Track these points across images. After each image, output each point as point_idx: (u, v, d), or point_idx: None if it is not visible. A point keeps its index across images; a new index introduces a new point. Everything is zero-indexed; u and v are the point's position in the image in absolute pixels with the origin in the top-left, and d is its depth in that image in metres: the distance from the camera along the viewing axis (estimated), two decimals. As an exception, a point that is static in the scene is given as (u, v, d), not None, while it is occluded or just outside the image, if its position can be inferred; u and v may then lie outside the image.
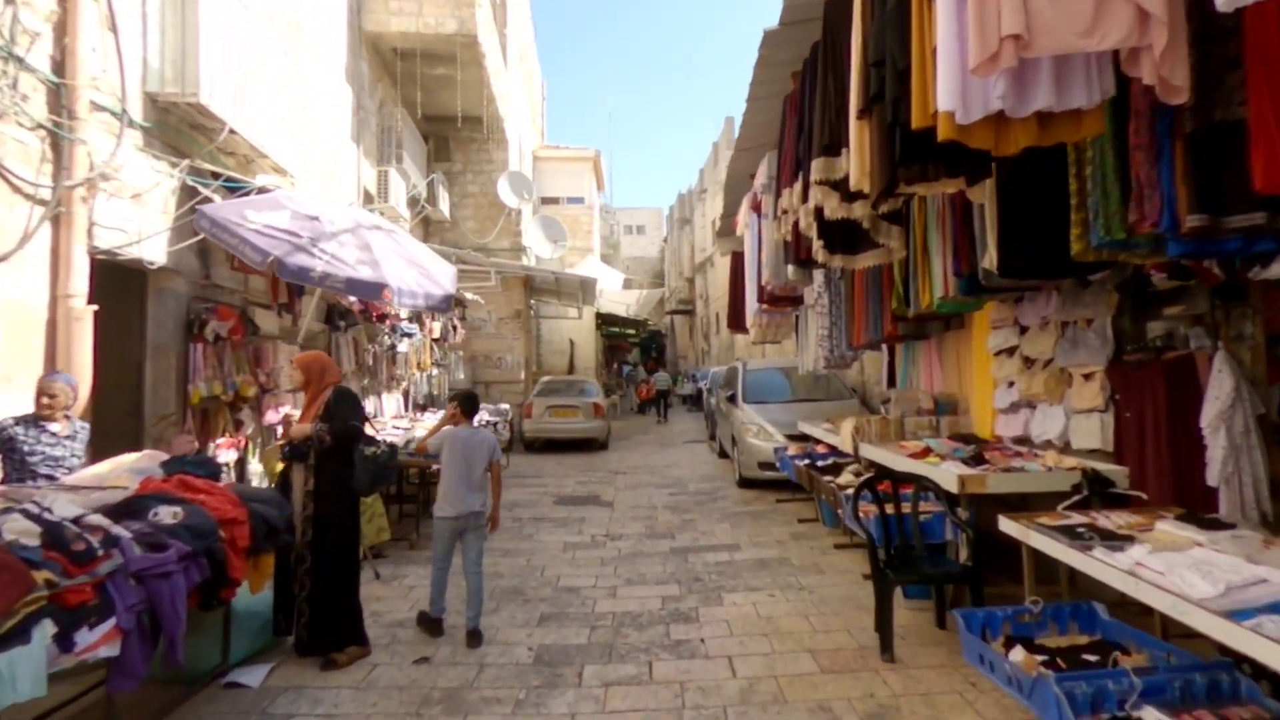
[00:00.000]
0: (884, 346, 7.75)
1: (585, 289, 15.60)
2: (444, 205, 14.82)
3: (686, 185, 46.83)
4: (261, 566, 3.55)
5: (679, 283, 44.61)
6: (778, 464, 7.98)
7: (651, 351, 48.19)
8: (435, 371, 10.82)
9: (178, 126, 5.79)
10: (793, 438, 8.59)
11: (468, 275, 15.33)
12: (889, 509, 4.15)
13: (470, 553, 4.55)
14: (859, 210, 3.64)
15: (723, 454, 11.89)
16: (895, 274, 4.96)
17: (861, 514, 4.37)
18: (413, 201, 13.64)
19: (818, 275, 6.81)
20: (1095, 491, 3.82)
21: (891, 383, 7.60)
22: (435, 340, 10.35)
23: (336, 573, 3.91)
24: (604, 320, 24.30)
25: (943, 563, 4.01)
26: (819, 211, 3.85)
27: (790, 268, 5.52)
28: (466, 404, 4.70)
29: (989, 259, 3.54)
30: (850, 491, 5.26)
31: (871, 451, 5.67)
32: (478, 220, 15.70)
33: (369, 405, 8.59)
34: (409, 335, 7.84)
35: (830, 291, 7.50)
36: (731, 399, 10.07)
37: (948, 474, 4.09)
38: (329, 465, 3.92)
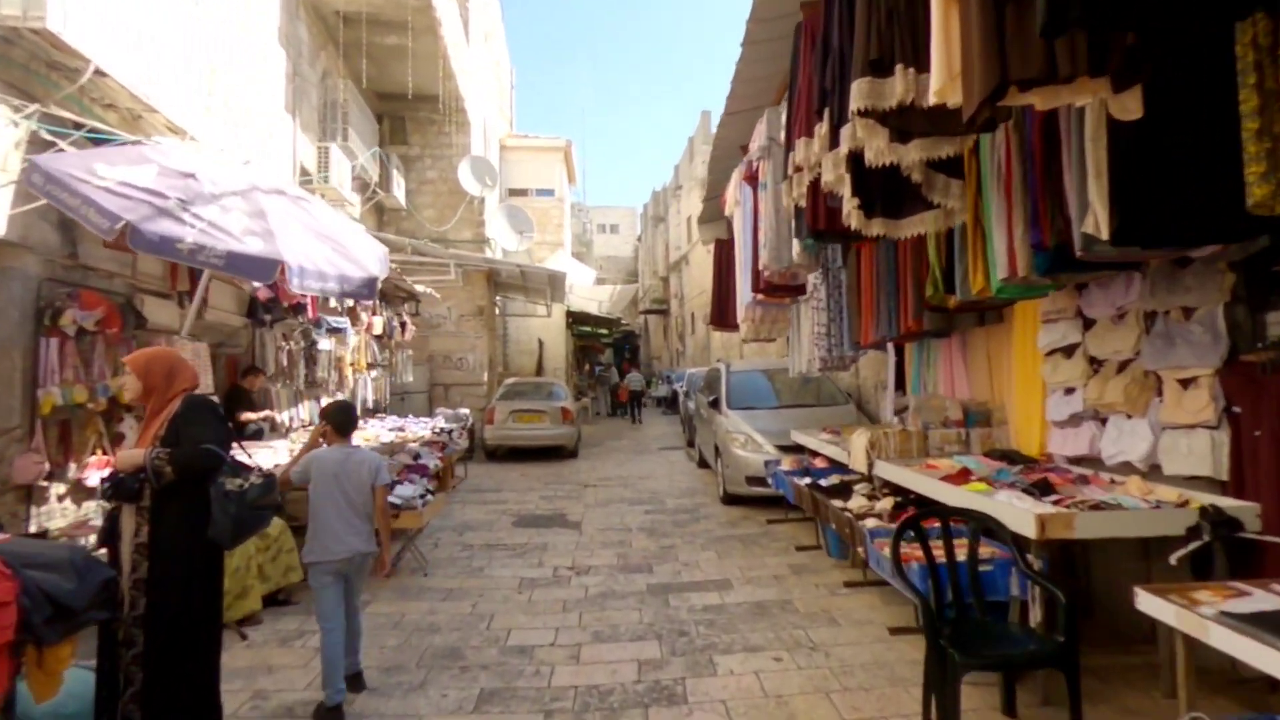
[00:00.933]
0: (890, 346, 6.79)
1: (554, 284, 14.47)
2: (399, 191, 13.59)
3: (661, 183, 45.92)
4: (50, 663, 2.40)
5: (653, 282, 43.61)
6: (769, 480, 6.98)
7: (625, 352, 47.20)
8: (375, 374, 9.55)
9: (28, 64, 4.58)
10: (785, 449, 7.59)
11: (425, 268, 14.11)
12: (936, 552, 3.14)
13: (354, 598, 3.57)
14: (912, 154, 2.63)
15: (703, 463, 10.87)
16: (932, 252, 3.95)
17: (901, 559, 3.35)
18: (363, 186, 12.41)
19: (809, 271, 5.82)
20: (1218, 536, 2.86)
21: (900, 387, 6.64)
22: (378, 338, 9.13)
23: (180, 659, 2.77)
24: (575, 319, 23.15)
25: (1018, 635, 3.01)
26: (853, 160, 2.84)
27: (795, 248, 4.49)
28: (339, 417, 3.63)
29: (1093, 221, 2.54)
30: (870, 524, 4.26)
31: (891, 471, 4.68)
32: (437, 209, 14.49)
33: (287, 414, 7.35)
34: (338, 330, 6.66)
35: (828, 283, 6.52)
36: (714, 404, 9.04)
37: (1018, 511, 3.09)
38: (171, 508, 2.78)
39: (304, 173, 9.56)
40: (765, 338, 6.84)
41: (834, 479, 5.78)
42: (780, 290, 5.29)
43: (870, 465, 4.93)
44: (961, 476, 4.05)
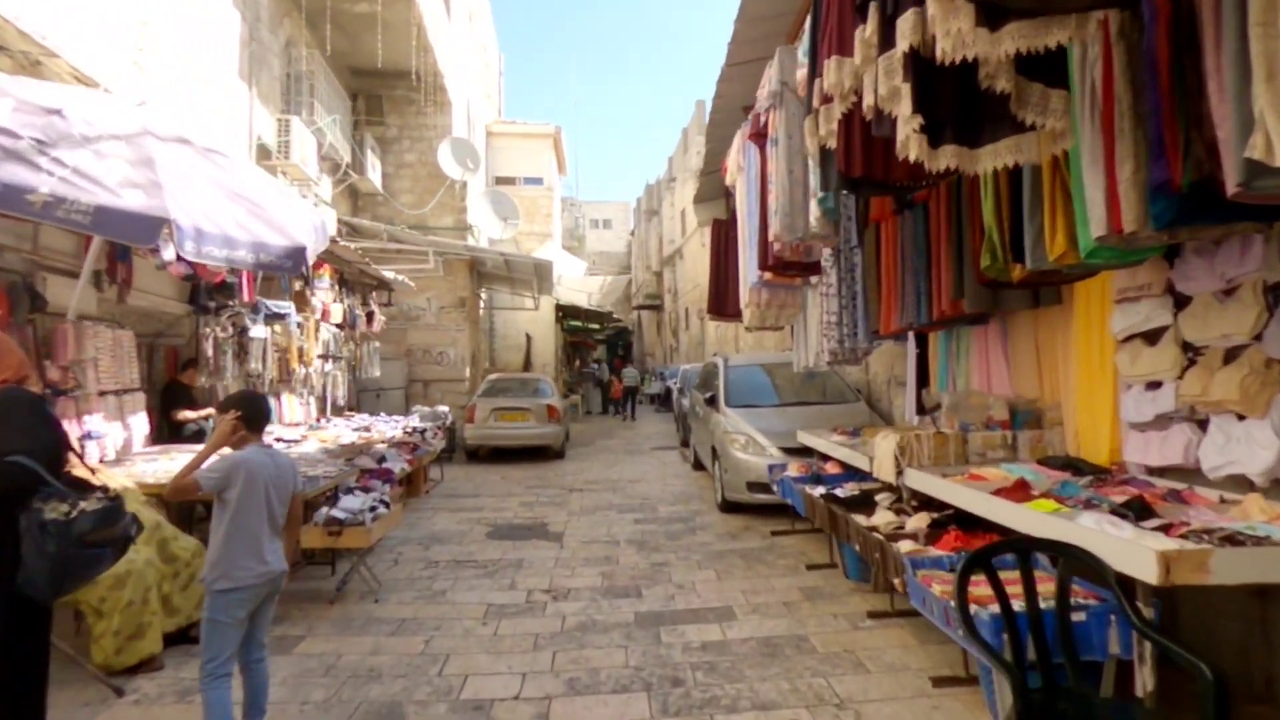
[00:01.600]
0: (910, 337, 6.03)
1: (540, 274, 13.66)
2: (374, 174, 12.74)
3: (655, 176, 45.12)
4: None
5: (647, 276, 42.78)
6: (774, 486, 6.20)
7: (619, 349, 46.40)
8: (329, 367, 8.69)
9: (-121, -14, 3.77)
10: (790, 451, 6.82)
11: (403, 256, 13.27)
12: (1009, 593, 2.37)
13: (260, 634, 2.82)
14: (1005, 44, 1.85)
15: (698, 465, 10.10)
16: (989, 210, 3.16)
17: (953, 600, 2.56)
18: (334, 168, 11.57)
19: (822, 248, 5.02)
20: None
21: (924, 382, 5.86)
22: (340, 327, 8.30)
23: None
24: (565, 313, 22.33)
25: (1134, 716, 2.23)
26: (914, 64, 2.06)
27: (812, 212, 3.70)
28: (250, 408, 2.83)
29: (1263, 141, 1.76)
30: (905, 548, 3.49)
31: (925, 481, 3.90)
32: (416, 194, 13.65)
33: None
34: (279, 316, 5.79)
35: (840, 266, 5.74)
36: (711, 402, 8.26)
37: (1125, 545, 2.31)
38: (-43, 547, 1.98)
39: (262, 150, 8.72)
40: (772, 325, 6.05)
41: (851, 488, 5.01)
42: (792, 268, 4.50)
43: (899, 473, 4.16)
44: (1020, 491, 3.28)
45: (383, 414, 10.65)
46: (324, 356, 8.14)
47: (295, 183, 9.71)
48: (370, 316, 9.41)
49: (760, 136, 4.38)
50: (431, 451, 8.72)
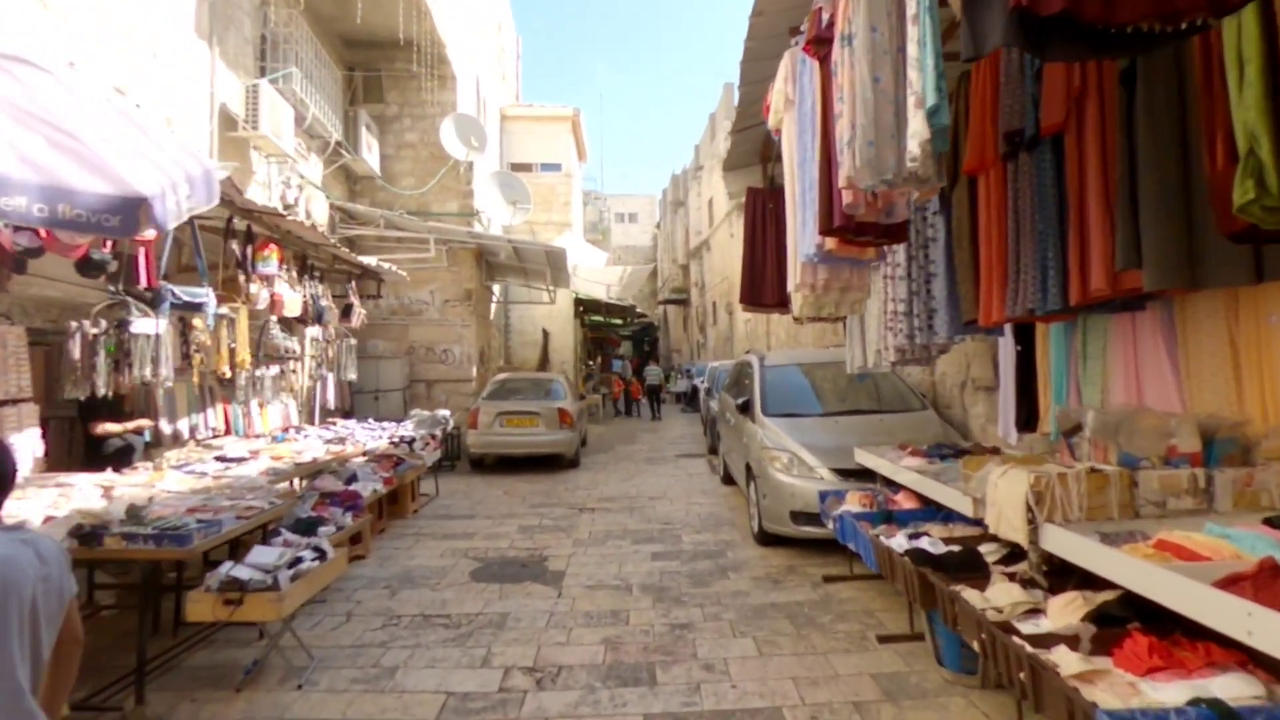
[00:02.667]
0: (1007, 330, 4.64)
1: (554, 264, 12.42)
2: (371, 155, 11.62)
3: (681, 166, 43.67)
4: None
5: (673, 270, 41.46)
6: (828, 522, 4.87)
7: (645, 345, 45.18)
8: (272, 372, 7.49)
9: None
10: (846, 474, 5.48)
11: (403, 245, 12.14)
12: None
13: None
14: None
15: (728, 478, 8.79)
16: (1250, 103, 1.82)
17: None
18: (323, 146, 10.46)
19: (912, 203, 3.66)
20: None
21: (1028, 389, 4.47)
22: (302, 321, 7.13)
23: None
24: (585, 307, 21.12)
25: None
26: None
27: (913, 140, 2.33)
28: None
29: None
30: (1072, 667, 2.16)
31: (1085, 551, 2.54)
32: (418, 176, 12.51)
33: (186, 422, 5.28)
34: (193, 306, 4.54)
35: (911, 238, 4.40)
36: (744, 409, 6.93)
37: None
38: None
39: (226, 119, 7.60)
40: (831, 315, 4.65)
41: (940, 535, 3.67)
42: (866, 232, 3.15)
43: (1035, 529, 2.81)
44: (1274, 578, 1.94)
45: (370, 419, 9.52)
46: (265, 357, 6.94)
47: (270, 159, 8.60)
48: (348, 310, 8.24)
49: (822, 43, 3.04)
50: (419, 466, 7.53)
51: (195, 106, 7.17)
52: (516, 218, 12.88)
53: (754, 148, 6.33)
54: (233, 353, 5.24)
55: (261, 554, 3.53)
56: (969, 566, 3.19)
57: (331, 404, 10.40)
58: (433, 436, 8.58)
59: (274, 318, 6.45)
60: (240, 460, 5.49)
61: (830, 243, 3.33)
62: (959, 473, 3.78)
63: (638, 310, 24.42)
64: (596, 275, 14.19)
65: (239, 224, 5.58)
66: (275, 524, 4.58)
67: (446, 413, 10.50)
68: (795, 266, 3.69)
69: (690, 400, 21.44)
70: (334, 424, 8.70)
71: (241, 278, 5.07)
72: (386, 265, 8.63)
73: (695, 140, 36.52)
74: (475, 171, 12.74)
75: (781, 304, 5.97)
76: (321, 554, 3.87)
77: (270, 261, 5.35)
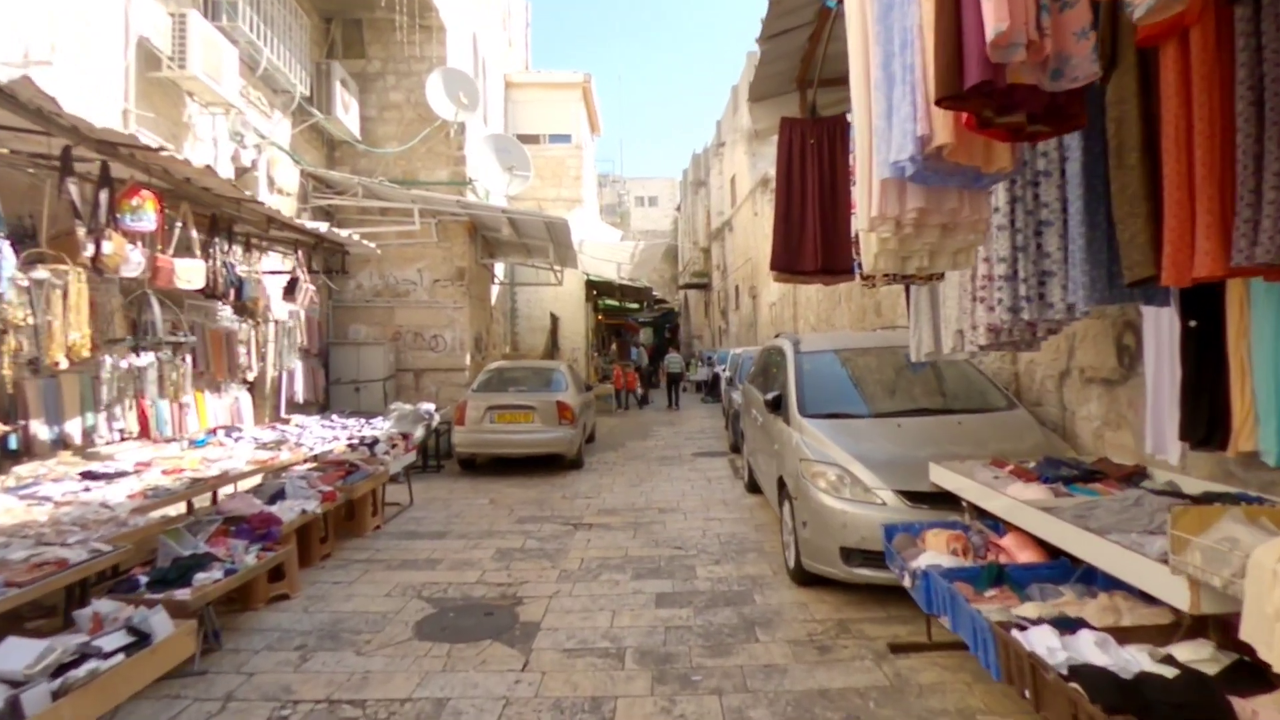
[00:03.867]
0: (1175, 295, 3.16)
1: (555, 236, 11.03)
2: (349, 116, 10.29)
3: (702, 144, 41.93)
4: None
5: (694, 254, 39.86)
6: (901, 574, 3.45)
7: (665, 332, 43.75)
8: (144, 360, 6.07)
9: None
10: (917, 498, 4.06)
11: (389, 218, 10.84)
12: None
13: None
14: None
15: (754, 486, 7.40)
16: None
17: None
18: (288, 103, 9.14)
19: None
20: None
21: (1206, 385, 2.99)
22: (209, 295, 5.77)
23: None
24: (597, 290, 19.73)
25: None
26: None
27: None
28: None
29: None
30: None
31: None
32: (404, 141, 11.16)
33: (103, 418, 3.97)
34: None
35: (1019, 179, 2.99)
36: (775, 406, 5.49)
37: None
38: None
39: (146, 55, 6.31)
40: (918, 273, 3.02)
41: (1094, 616, 2.25)
42: (1017, 105, 1.75)
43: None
44: None
45: (335, 416, 8.25)
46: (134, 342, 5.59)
47: (209, 108, 7.30)
48: (293, 285, 6.88)
49: None
50: (378, 474, 6.22)
51: (101, 35, 5.87)
52: (514, 186, 11.49)
53: (789, 67, 4.86)
54: (71, 338, 3.91)
55: (10, 653, 2.21)
56: (1203, 712, 1.76)
57: (300, 397, 9.17)
58: (403, 436, 7.27)
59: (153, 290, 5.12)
60: (117, 476, 4.20)
61: (945, 130, 1.88)
62: (1136, 519, 2.34)
63: (655, 294, 22.96)
64: (606, 252, 12.77)
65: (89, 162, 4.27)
66: (129, 571, 3.29)
67: (430, 406, 9.21)
68: (870, 192, 2.27)
69: (711, 389, 20.02)
70: (286, 422, 7.43)
71: (81, 231, 3.74)
72: (348, 234, 7.28)
73: (716, 120, 34.77)
74: (469, 136, 11.37)
75: (826, 271, 4.54)
76: (140, 639, 2.54)
77: (144, 214, 4.02)
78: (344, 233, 7.12)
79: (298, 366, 9.14)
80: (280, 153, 9.11)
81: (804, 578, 4.52)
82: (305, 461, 5.80)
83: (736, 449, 10.27)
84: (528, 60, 21.87)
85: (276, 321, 7.20)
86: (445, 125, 10.94)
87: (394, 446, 6.83)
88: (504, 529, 6.45)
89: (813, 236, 4.55)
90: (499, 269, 14.81)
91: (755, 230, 25.10)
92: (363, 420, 8.76)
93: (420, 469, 9.35)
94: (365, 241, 8.08)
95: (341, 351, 10.56)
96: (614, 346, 24.69)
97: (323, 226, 6.82)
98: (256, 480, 5.41)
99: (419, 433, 8.94)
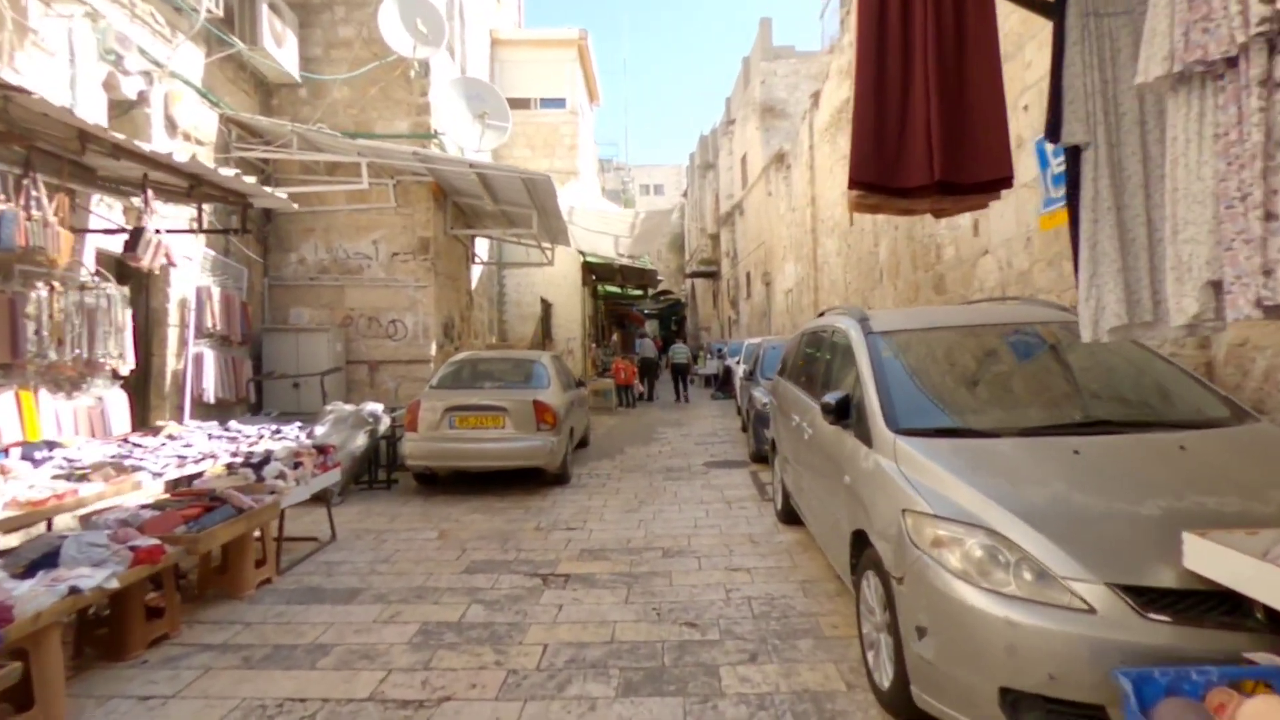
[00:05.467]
0: None
1: (538, 200, 9.12)
2: (285, 52, 8.38)
3: (710, 125, 39.91)
4: None
5: (701, 241, 37.88)
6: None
7: (672, 323, 41.86)
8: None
9: None
10: (1157, 600, 2.11)
11: (338, 175, 8.94)
12: None
13: None
14: None
15: (790, 515, 5.51)
16: None
17: None
18: (204, 34, 7.24)
19: None
20: None
21: None
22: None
23: None
24: (596, 274, 17.81)
25: None
26: None
27: None
28: None
29: None
30: None
31: None
32: (356, 87, 9.25)
33: None
34: None
35: None
36: (840, 413, 3.54)
37: None
38: None
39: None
40: None
41: None
42: None
43: None
44: None
45: (235, 423, 6.36)
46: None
47: (54, 4, 5.40)
48: (137, 238, 4.91)
49: None
50: (261, 509, 4.32)
51: None
52: (489, 139, 9.57)
53: None
54: None
55: None
56: None
57: (211, 395, 7.30)
58: (321, 450, 5.38)
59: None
60: None
61: None
62: None
63: (659, 278, 21.03)
64: (600, 223, 10.82)
65: None
66: None
67: (377, 407, 7.34)
68: None
69: (722, 385, 18.11)
70: (156, 432, 5.53)
71: None
72: (234, 174, 5.35)
73: (725, 98, 32.71)
74: (435, 81, 9.45)
75: (948, 188, 2.63)
76: None
77: None
78: (228, 172, 5.19)
79: (208, 357, 7.27)
80: (185, 87, 7.21)
81: (913, 715, 2.60)
82: (143, 506, 3.92)
83: (760, 458, 8.36)
84: (520, 22, 19.93)
85: (88, 287, 5.23)
86: (404, 65, 9.03)
87: (299, 465, 4.94)
88: (444, 584, 4.56)
89: (924, 131, 2.68)
90: (483, 248, 12.93)
91: (769, 212, 23.12)
92: (298, 425, 6.92)
93: (366, 486, 7.49)
94: (278, 193, 6.18)
95: (277, 339, 8.69)
96: (615, 337, 22.79)
97: (181, 155, 4.87)
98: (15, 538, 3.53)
99: (360, 440, 7.08)
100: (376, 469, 7.59)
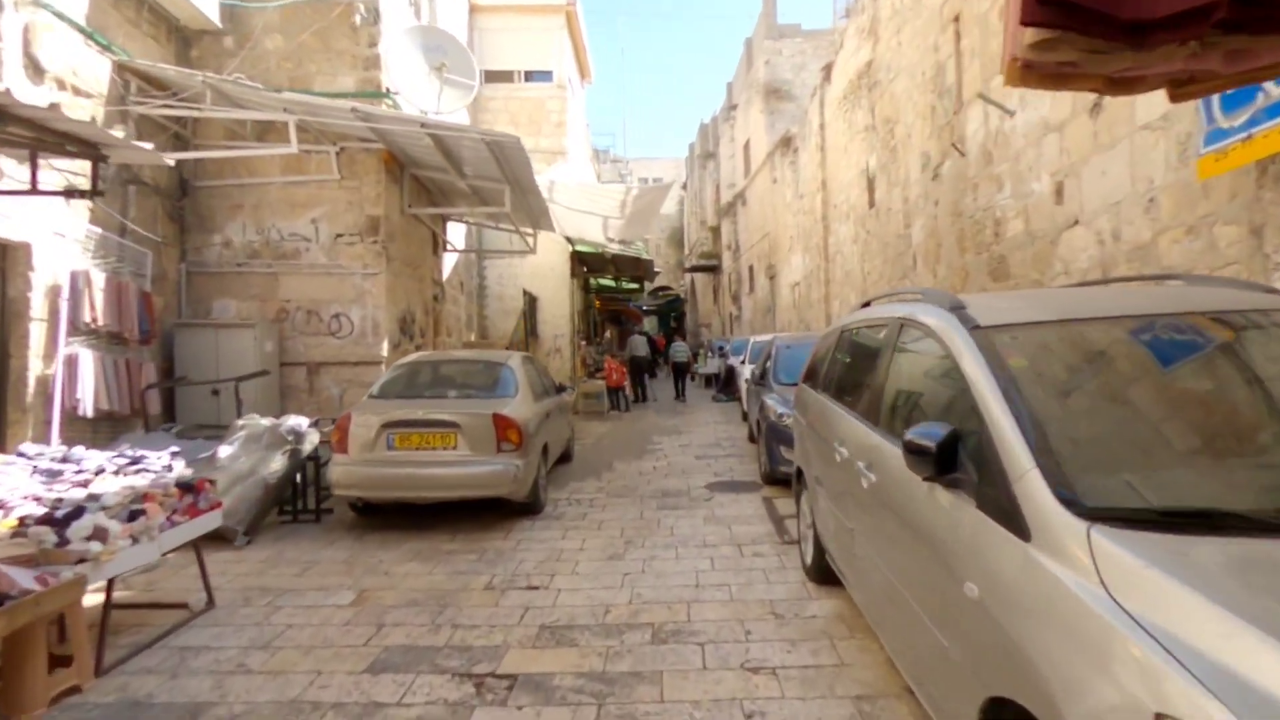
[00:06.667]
0: None
1: (509, 169, 7.65)
2: (193, -16, 6.93)
3: (711, 113, 38.40)
4: None
5: (701, 234, 36.40)
6: None
7: (671, 320, 40.52)
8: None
9: None
10: None
11: (269, 137, 7.49)
12: None
13: None
14: None
15: (826, 573, 4.07)
16: None
17: None
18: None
19: None
20: None
21: None
22: None
23: None
24: (587, 265, 16.34)
25: None
26: None
27: None
28: None
29: None
30: None
31: None
32: (290, 35, 7.79)
33: None
34: None
35: None
36: (945, 465, 2.10)
37: None
38: None
39: None
40: None
41: None
42: None
43: None
44: None
45: (126, 444, 4.90)
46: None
47: None
48: None
49: None
50: (44, 595, 2.86)
51: None
52: (449, 99, 8.08)
53: None
54: None
55: None
56: None
57: (87, 407, 5.85)
58: (184, 490, 3.93)
59: None
60: None
61: None
62: None
63: (656, 269, 19.57)
64: (585, 199, 9.30)
65: None
66: None
67: (301, 422, 5.91)
68: None
69: (725, 386, 16.68)
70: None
71: None
72: (147, 147, 3.89)
73: (727, 83, 31.25)
74: (387, 30, 7.97)
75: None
76: None
77: None
78: (35, 99, 3.73)
79: (86, 359, 5.82)
80: (56, 21, 5.74)
81: None
82: None
83: (774, 480, 6.94)
84: (505, -6, 18.45)
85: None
86: (347, 8, 7.56)
87: (137, 515, 3.49)
88: (332, 695, 3.12)
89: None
90: (459, 234, 11.48)
91: (774, 200, 21.64)
92: (214, 443, 5.55)
93: (291, 518, 6.05)
94: (140, 144, 4.70)
95: (193, 337, 7.24)
96: (609, 334, 21.32)
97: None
98: None
99: (276, 464, 5.66)
100: (303, 497, 6.14)
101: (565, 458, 8.44)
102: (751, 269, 25.54)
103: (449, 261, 11.36)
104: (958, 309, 2.62)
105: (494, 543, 5.40)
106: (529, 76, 14.68)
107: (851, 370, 3.78)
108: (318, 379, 7.71)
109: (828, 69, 14.81)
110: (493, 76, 14.46)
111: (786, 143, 19.62)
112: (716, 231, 32.49)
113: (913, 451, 2.19)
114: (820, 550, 4.13)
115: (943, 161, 7.41)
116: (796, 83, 22.68)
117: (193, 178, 7.50)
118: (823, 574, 4.17)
